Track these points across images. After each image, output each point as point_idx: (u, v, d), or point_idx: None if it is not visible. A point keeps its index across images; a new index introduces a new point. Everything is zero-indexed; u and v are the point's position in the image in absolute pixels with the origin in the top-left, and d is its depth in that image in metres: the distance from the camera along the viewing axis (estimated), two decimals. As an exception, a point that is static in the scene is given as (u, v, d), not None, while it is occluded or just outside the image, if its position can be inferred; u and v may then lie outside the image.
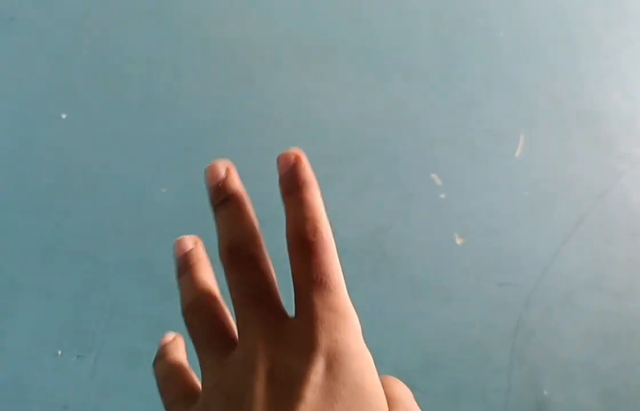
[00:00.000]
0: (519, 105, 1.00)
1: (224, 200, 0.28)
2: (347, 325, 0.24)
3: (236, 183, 0.28)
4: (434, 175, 0.95)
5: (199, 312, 0.27)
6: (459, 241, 0.91)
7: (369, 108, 1.00)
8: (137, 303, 0.83)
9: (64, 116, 0.97)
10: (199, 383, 0.28)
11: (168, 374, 0.29)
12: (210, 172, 0.29)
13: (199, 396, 0.26)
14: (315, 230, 0.25)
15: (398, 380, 0.25)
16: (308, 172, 0.27)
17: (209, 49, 1.05)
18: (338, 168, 0.96)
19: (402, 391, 0.25)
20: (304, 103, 1.01)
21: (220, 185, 0.28)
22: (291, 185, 0.27)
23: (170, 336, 0.32)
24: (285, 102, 1.01)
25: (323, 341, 0.23)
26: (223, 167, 0.28)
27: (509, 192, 0.95)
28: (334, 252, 0.25)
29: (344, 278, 0.25)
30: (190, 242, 0.30)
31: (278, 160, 0.28)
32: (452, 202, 0.93)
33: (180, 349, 0.31)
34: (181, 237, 0.30)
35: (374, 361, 0.24)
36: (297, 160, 0.27)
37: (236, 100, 1.01)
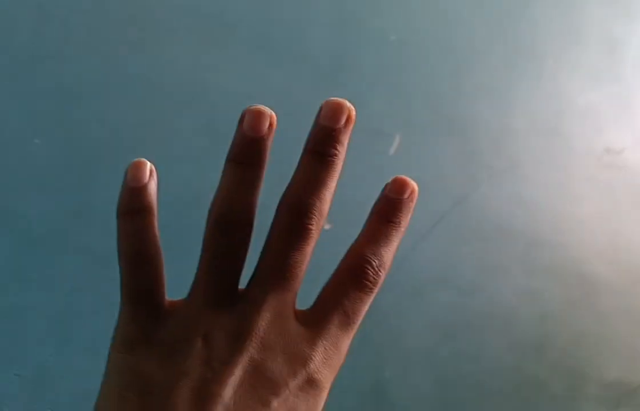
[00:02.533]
0: (399, 107, 1.07)
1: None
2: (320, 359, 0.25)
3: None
4: (311, 162, 1.00)
5: (232, 230, 0.26)
6: (327, 226, 0.97)
7: (257, 89, 1.03)
8: (-5, 250, 0.83)
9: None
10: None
11: (142, 255, 0.26)
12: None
13: (162, 309, 0.26)
14: (377, 275, 0.26)
15: None
16: (410, 215, 0.27)
17: (104, 6, 1.04)
18: (220, 143, 0.99)
19: None
20: (195, 75, 1.03)
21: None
22: (394, 214, 0.26)
23: (145, 171, 0.26)
24: (176, 71, 1.02)
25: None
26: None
27: (380, 187, 1.01)
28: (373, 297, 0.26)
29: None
30: (264, 126, 0.26)
31: (393, 182, 0.27)
32: (325, 189, 0.99)
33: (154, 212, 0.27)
34: (258, 110, 0.25)
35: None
36: (413, 196, 0.27)
37: (126, 62, 1.01)
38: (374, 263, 0.26)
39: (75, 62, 0.99)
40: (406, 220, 0.27)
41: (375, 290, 0.26)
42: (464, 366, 0.95)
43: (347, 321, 0.25)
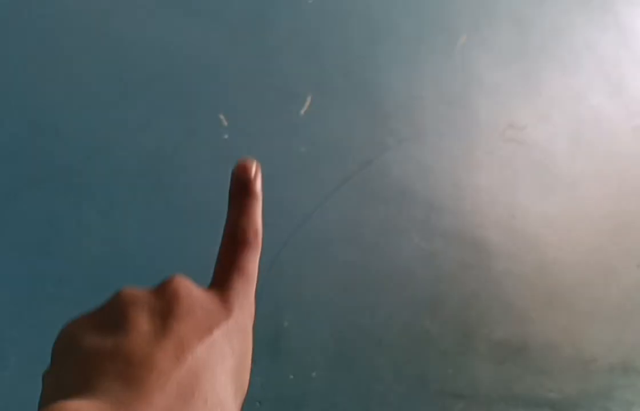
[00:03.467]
0: (313, 69, 1.09)
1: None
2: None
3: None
4: (221, 116, 1.01)
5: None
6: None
7: (171, 41, 1.03)
8: None
9: None
10: None
11: None
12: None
13: None
14: (256, 238, 0.31)
15: None
16: (260, 186, 0.32)
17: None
18: (130, 91, 0.98)
19: None
20: (107, 21, 1.01)
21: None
22: (249, 189, 0.32)
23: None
24: (86, 16, 1.00)
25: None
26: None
27: (288, 145, 1.04)
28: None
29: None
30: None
31: (240, 164, 0.32)
32: (234, 143, 1.00)
33: None
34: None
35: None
36: (257, 172, 0.32)
37: (35, 4, 0.98)
38: (249, 231, 0.31)
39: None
40: (259, 188, 0.32)
41: (260, 248, 0.31)
42: (361, 320, 1.00)
43: (247, 276, 0.31)
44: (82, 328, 0.28)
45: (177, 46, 1.02)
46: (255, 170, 0.32)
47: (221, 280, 0.30)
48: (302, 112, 1.06)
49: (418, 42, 1.18)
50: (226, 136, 1.00)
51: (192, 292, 0.29)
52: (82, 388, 0.23)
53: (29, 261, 0.88)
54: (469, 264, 1.12)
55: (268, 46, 1.08)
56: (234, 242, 0.31)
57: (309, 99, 1.07)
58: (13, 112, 0.92)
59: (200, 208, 0.96)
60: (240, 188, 0.32)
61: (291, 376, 0.97)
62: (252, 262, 0.31)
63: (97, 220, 0.92)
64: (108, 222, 0.92)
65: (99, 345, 0.26)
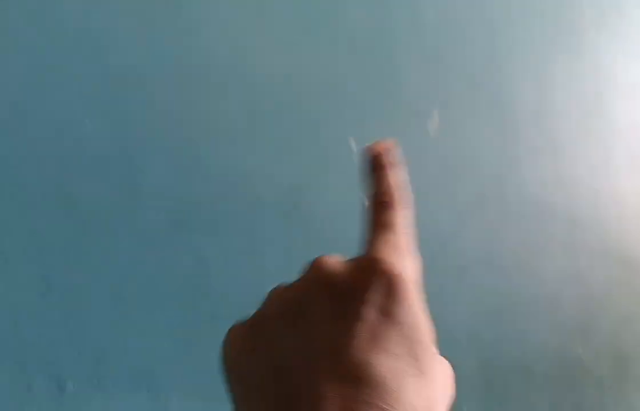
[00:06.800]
0: (438, 84, 1.04)
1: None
2: (408, 263, 0.27)
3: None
4: (351, 139, 0.97)
5: None
6: (367, 203, 0.95)
7: (298, 68, 1.00)
8: (53, 232, 0.81)
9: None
10: None
11: None
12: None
13: None
14: (398, 195, 0.31)
15: None
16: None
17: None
18: (262, 123, 0.96)
19: None
20: (236, 57, 1.00)
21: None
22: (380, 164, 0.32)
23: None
24: (217, 54, 1.00)
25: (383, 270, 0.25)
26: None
27: (419, 165, 0.98)
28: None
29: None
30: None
31: (376, 146, 0.33)
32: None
33: None
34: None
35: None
36: (389, 148, 0.34)
37: (167, 44, 0.98)
38: (389, 193, 0.32)
39: (120, 48, 0.97)
40: (394, 158, 0.33)
41: (404, 205, 0.31)
42: (509, 349, 0.93)
43: (395, 230, 0.30)
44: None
45: (303, 74, 1.00)
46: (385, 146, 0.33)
47: (369, 244, 0.27)
48: (430, 129, 1.01)
49: (545, 47, 1.10)
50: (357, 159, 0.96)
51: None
52: None
53: (183, 301, 0.88)
54: (620, 282, 1.02)
55: (393, 65, 1.03)
56: (377, 206, 0.30)
57: (436, 115, 1.01)
58: (158, 156, 0.92)
59: (337, 232, 0.93)
60: (376, 162, 0.32)
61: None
62: (399, 218, 0.29)
63: (241, 253, 0.91)
64: (251, 254, 0.91)
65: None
